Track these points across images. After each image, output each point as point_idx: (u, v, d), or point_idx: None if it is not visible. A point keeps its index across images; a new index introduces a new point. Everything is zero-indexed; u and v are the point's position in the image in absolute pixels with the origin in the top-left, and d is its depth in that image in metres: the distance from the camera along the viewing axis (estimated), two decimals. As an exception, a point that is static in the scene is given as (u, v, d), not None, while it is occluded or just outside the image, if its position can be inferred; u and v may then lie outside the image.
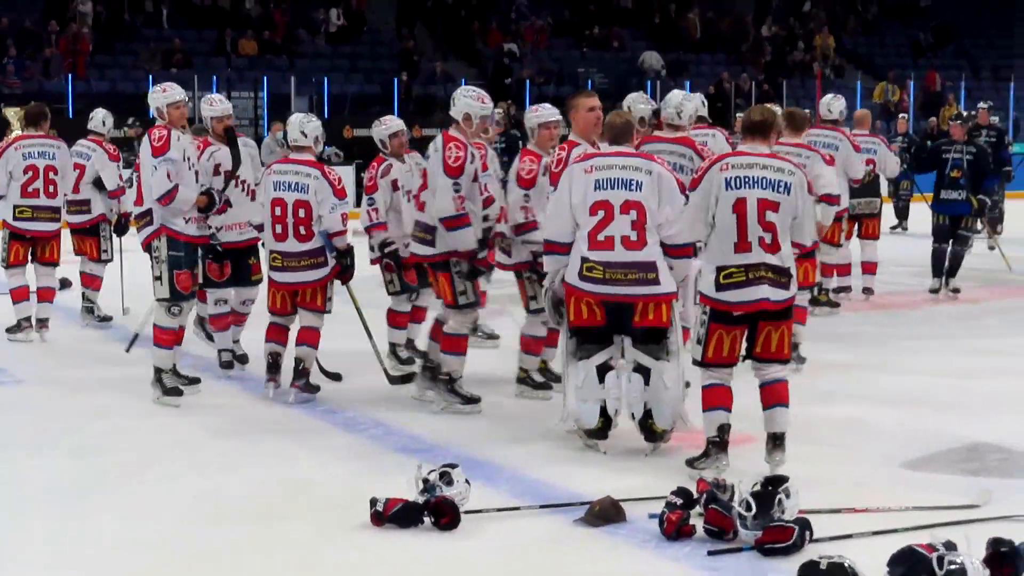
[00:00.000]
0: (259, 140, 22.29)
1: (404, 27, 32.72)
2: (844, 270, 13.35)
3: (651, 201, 7.44)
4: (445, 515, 6.28)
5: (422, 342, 9.85)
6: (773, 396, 7.29)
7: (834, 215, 10.75)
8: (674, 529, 6.09)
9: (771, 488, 6.07)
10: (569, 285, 7.57)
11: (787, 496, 6.03)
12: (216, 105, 10.02)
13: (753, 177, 7.11)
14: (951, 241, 14.05)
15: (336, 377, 9.48)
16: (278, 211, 8.99)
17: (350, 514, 6.44)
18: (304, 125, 9.14)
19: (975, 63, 37.82)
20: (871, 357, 10.79)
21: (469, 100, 8.51)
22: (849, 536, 6.06)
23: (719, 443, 7.27)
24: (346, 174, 24.73)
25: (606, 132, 7.85)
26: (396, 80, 28.60)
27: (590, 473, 7.27)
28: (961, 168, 13.92)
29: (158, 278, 8.89)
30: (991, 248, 17.10)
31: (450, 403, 8.65)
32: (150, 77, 26.47)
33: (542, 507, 6.63)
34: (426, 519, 6.29)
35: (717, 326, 7.23)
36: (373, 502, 6.33)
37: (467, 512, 6.35)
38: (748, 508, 5.98)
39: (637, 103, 9.65)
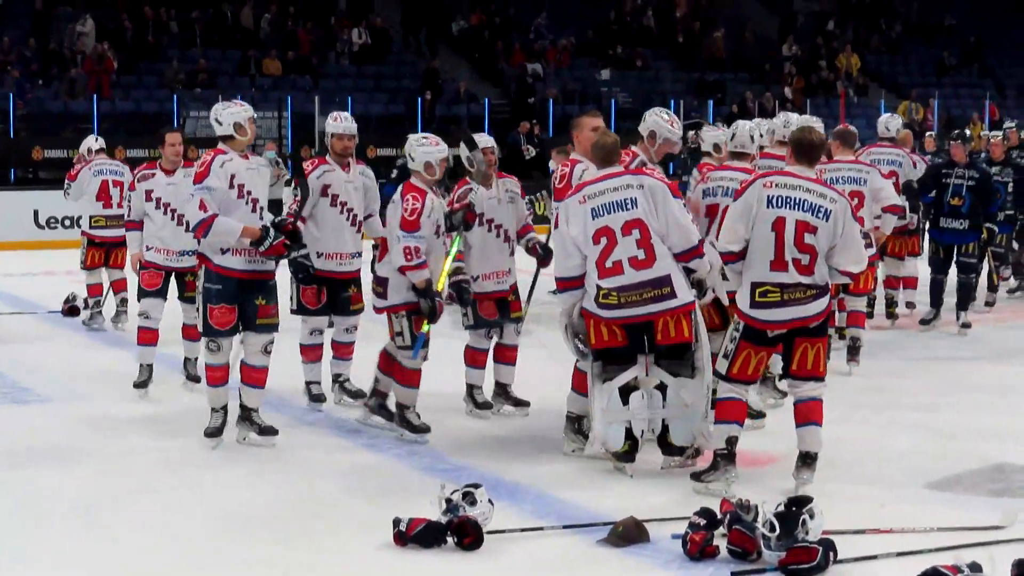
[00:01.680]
0: (284, 161, 22.37)
1: (428, 47, 32.80)
2: (911, 283, 13.37)
3: (650, 215, 7.46)
4: (468, 535, 6.28)
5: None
6: (807, 414, 7.30)
7: (893, 224, 11.07)
8: (698, 550, 6.08)
9: (795, 509, 6.06)
10: (588, 312, 7.59)
11: (811, 517, 6.02)
12: (341, 121, 9.47)
13: (795, 199, 7.16)
14: (955, 270, 12.86)
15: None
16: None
17: (373, 534, 6.45)
18: (415, 149, 8.52)
19: (999, 82, 37.71)
20: (895, 375, 10.75)
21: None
22: (874, 557, 6.05)
23: (727, 455, 7.28)
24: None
25: (595, 153, 7.84)
26: (420, 100, 28.65)
27: (613, 493, 7.28)
28: (961, 195, 12.52)
29: (198, 311, 8.48)
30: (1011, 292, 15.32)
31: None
32: (174, 97, 26.67)
33: (565, 527, 6.63)
34: (449, 539, 6.29)
35: (747, 344, 7.26)
36: (396, 522, 6.34)
37: (490, 532, 6.35)
38: (772, 529, 5.97)
39: (709, 131, 9.58)
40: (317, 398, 9.44)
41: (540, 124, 27.89)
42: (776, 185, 7.25)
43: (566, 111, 30.05)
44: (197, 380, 9.75)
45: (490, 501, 6.47)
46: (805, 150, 7.36)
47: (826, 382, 7.40)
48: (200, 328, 8.40)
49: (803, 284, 7.14)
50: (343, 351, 9.52)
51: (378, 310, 8.60)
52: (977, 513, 6.79)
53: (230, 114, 8.23)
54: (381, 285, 8.49)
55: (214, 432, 8.41)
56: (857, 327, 10.84)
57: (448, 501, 6.41)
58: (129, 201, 10.15)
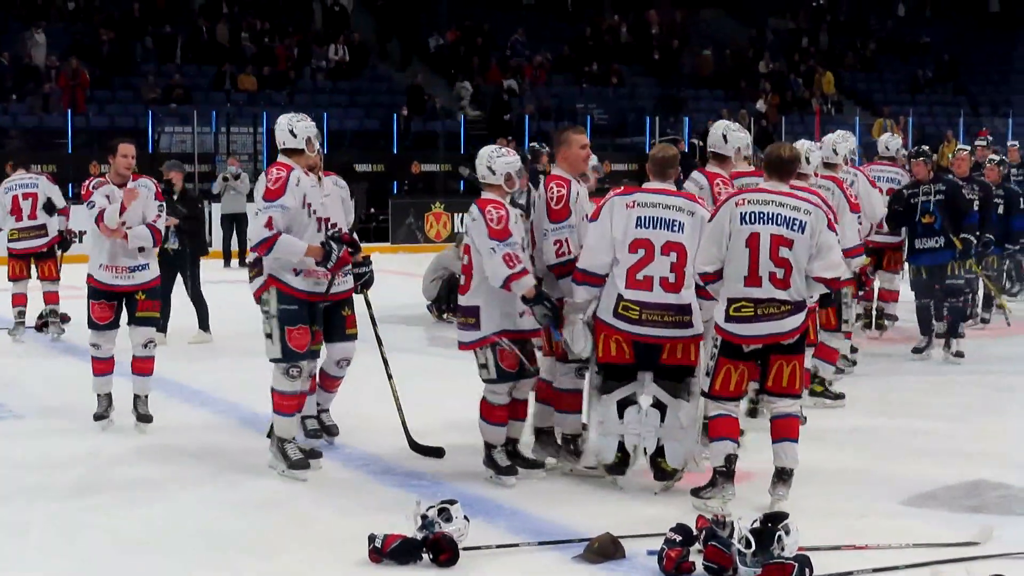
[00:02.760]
0: (256, 176, 22.31)
1: (404, 63, 32.83)
2: (892, 296, 13.18)
3: (691, 243, 7.41)
4: (444, 551, 6.25)
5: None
6: (783, 430, 7.31)
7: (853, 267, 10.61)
8: (673, 566, 6.06)
9: (771, 525, 6.05)
10: (601, 322, 7.54)
11: (787, 533, 6.00)
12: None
13: (768, 213, 7.19)
14: (938, 295, 12.31)
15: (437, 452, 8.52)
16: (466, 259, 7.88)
17: (348, 550, 6.42)
18: (494, 161, 7.86)
19: (973, 99, 37.92)
20: (872, 392, 10.75)
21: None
22: (850, 573, 6.03)
23: (726, 473, 7.28)
24: (345, 209, 24.86)
25: (652, 165, 7.71)
26: (396, 116, 28.66)
27: (589, 510, 7.26)
28: (930, 211, 12.01)
29: (269, 335, 7.89)
30: (998, 307, 14.70)
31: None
32: (149, 112, 26.62)
33: (541, 543, 6.60)
34: (425, 555, 6.27)
35: (726, 360, 7.28)
36: (371, 538, 6.31)
37: (466, 548, 6.32)
38: (748, 545, 5.96)
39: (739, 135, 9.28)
40: (315, 433, 8.71)
41: (516, 140, 27.88)
42: (749, 202, 7.27)
43: (542, 127, 30.10)
44: (149, 420, 9.27)
45: (466, 517, 6.44)
46: (777, 166, 7.39)
47: (802, 398, 7.42)
48: (277, 354, 7.86)
49: (777, 299, 7.15)
50: (331, 384, 8.73)
51: (465, 346, 7.85)
52: (953, 529, 6.78)
53: (304, 127, 7.96)
54: (471, 315, 7.79)
55: (302, 464, 7.93)
56: (825, 360, 10.28)
57: (424, 517, 6.39)
58: (90, 207, 9.19)
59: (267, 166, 8.66)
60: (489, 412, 7.86)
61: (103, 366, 9.40)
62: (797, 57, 37.47)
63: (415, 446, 8.39)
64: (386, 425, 8.74)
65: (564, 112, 31.95)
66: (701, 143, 10.59)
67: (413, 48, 33.72)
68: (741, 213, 7.22)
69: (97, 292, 9.23)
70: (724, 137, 8.99)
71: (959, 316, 12.32)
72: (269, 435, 8.21)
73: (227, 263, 21.68)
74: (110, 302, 9.23)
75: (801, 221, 7.17)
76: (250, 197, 21.12)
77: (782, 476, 7.28)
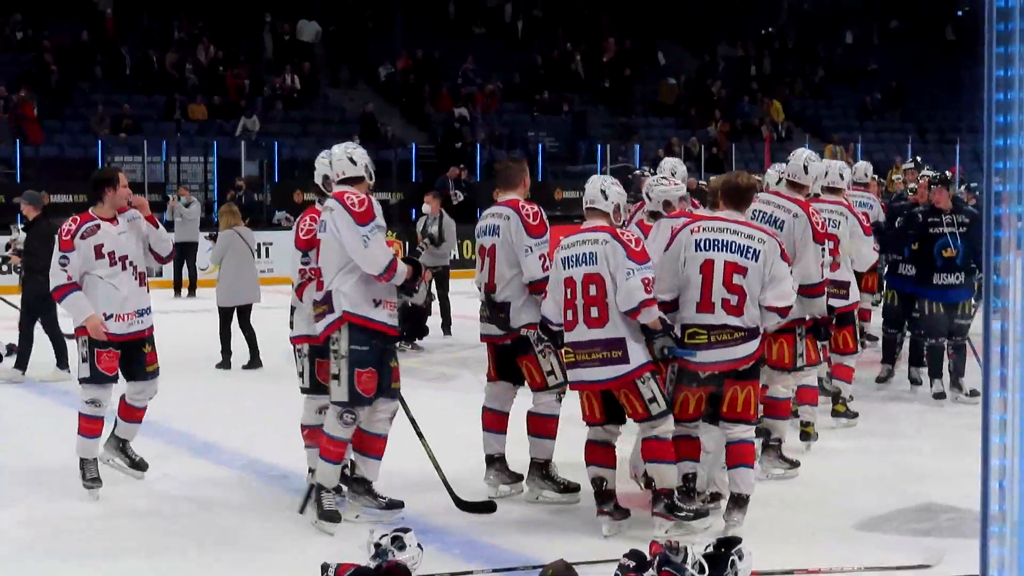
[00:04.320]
0: (208, 206, 22.27)
1: (355, 92, 32.85)
2: (867, 316, 12.89)
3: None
4: (397, 580, 6.24)
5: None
6: (737, 456, 7.35)
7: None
8: (627, 592, 6.07)
9: (724, 550, 6.08)
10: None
11: (740, 558, 6.04)
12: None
13: (723, 241, 7.26)
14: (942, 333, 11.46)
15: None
16: (568, 293, 7.40)
17: (301, 580, 6.40)
18: (603, 185, 7.55)
19: (921, 125, 38.27)
20: (825, 416, 10.79)
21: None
22: (802, 597, 6.08)
23: (687, 492, 7.34)
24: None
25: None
26: (347, 145, 28.61)
27: (543, 537, 7.27)
28: (955, 245, 11.17)
29: (335, 377, 7.45)
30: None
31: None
32: (99, 142, 26.49)
33: (494, 571, 6.62)
34: (378, 584, 6.24)
35: (683, 388, 7.34)
36: (324, 567, 6.29)
37: (419, 577, 6.31)
38: (701, 570, 5.98)
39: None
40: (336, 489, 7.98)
41: (468, 169, 27.95)
42: (704, 229, 7.35)
43: (494, 155, 30.15)
44: (143, 467, 8.59)
45: (419, 545, 6.44)
46: (733, 195, 7.46)
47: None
48: (343, 398, 7.42)
49: (730, 326, 7.20)
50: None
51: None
52: (905, 552, 6.83)
53: (362, 155, 7.75)
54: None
55: (334, 517, 7.52)
56: (842, 380, 10.44)
57: (377, 546, 6.38)
58: (64, 263, 8.23)
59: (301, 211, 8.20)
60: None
61: (98, 426, 8.41)
62: (746, 84, 37.71)
63: (462, 504, 7.87)
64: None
65: (516, 140, 32.04)
66: (652, 171, 10.56)
67: (364, 77, 33.73)
68: (696, 240, 7.29)
69: (104, 341, 8.23)
70: (805, 168, 9.02)
71: (964, 353, 11.45)
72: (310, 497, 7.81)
73: (177, 292, 21.58)
74: (117, 351, 8.29)
75: (755, 249, 7.23)
76: (202, 226, 21.15)
77: (737, 502, 7.32)
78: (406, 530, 6.52)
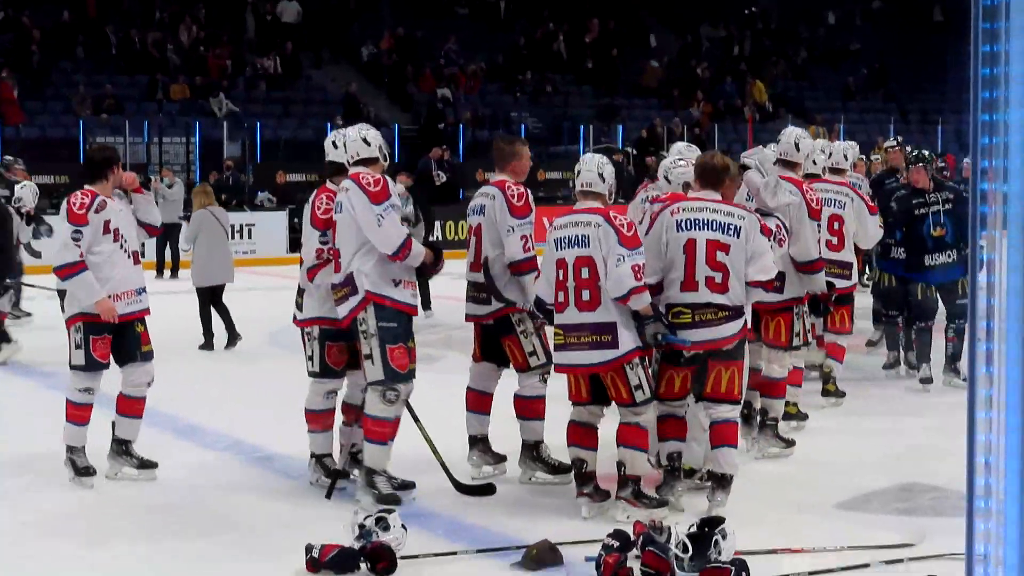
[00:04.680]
0: (190, 187, 22.18)
1: (338, 72, 32.78)
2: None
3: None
4: (382, 560, 6.23)
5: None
6: (721, 436, 7.36)
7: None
8: (611, 572, 6.07)
9: (707, 530, 6.08)
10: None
11: (723, 537, 6.04)
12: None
13: (703, 219, 7.28)
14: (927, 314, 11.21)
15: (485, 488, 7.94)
16: (560, 274, 7.32)
17: (286, 561, 6.40)
18: (601, 167, 7.44)
19: (903, 107, 38.32)
20: (815, 396, 10.79)
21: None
22: (786, 576, 6.09)
23: (672, 471, 7.35)
24: (278, 220, 24.83)
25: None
26: (329, 125, 28.58)
27: (526, 517, 7.27)
28: (941, 223, 10.89)
29: (368, 357, 7.38)
30: None
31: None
32: (80, 123, 26.40)
33: (479, 551, 6.61)
34: (363, 565, 6.25)
35: (668, 367, 7.35)
36: (309, 548, 6.28)
37: (404, 557, 6.31)
38: (685, 550, 5.98)
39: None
40: (339, 473, 7.89)
41: (450, 150, 27.92)
42: (683, 210, 7.37)
43: (476, 136, 30.12)
44: (153, 466, 8.29)
45: (403, 526, 6.43)
46: (709, 175, 7.49)
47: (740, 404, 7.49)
48: (379, 376, 7.37)
49: (714, 304, 7.21)
50: (356, 415, 7.94)
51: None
52: (887, 531, 6.85)
53: (376, 136, 7.72)
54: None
55: (394, 500, 7.36)
56: (834, 359, 10.42)
57: (361, 527, 6.37)
58: (77, 238, 7.94)
59: (318, 188, 8.08)
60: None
61: (88, 413, 8.19)
62: (729, 65, 37.71)
63: (460, 487, 7.80)
64: None
65: (498, 121, 32.01)
66: (635, 151, 10.54)
67: (346, 57, 33.66)
68: (677, 221, 7.30)
69: (98, 327, 8.00)
70: (796, 145, 9.06)
71: (962, 337, 10.82)
72: (340, 471, 7.80)
73: (159, 274, 21.54)
74: (110, 336, 8.08)
75: (736, 226, 7.25)
76: (187, 206, 21.09)
77: (721, 482, 7.32)
78: (390, 510, 6.52)
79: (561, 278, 7.22)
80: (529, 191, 7.95)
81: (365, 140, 7.66)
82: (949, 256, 10.94)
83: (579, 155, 7.61)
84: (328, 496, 7.68)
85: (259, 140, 27.71)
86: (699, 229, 7.26)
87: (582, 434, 7.36)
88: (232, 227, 22.64)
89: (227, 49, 31.32)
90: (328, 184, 7.98)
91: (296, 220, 25.49)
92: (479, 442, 8.23)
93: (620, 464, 7.26)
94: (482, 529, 7.07)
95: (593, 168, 7.38)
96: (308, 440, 8.03)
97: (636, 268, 7.03)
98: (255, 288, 18.17)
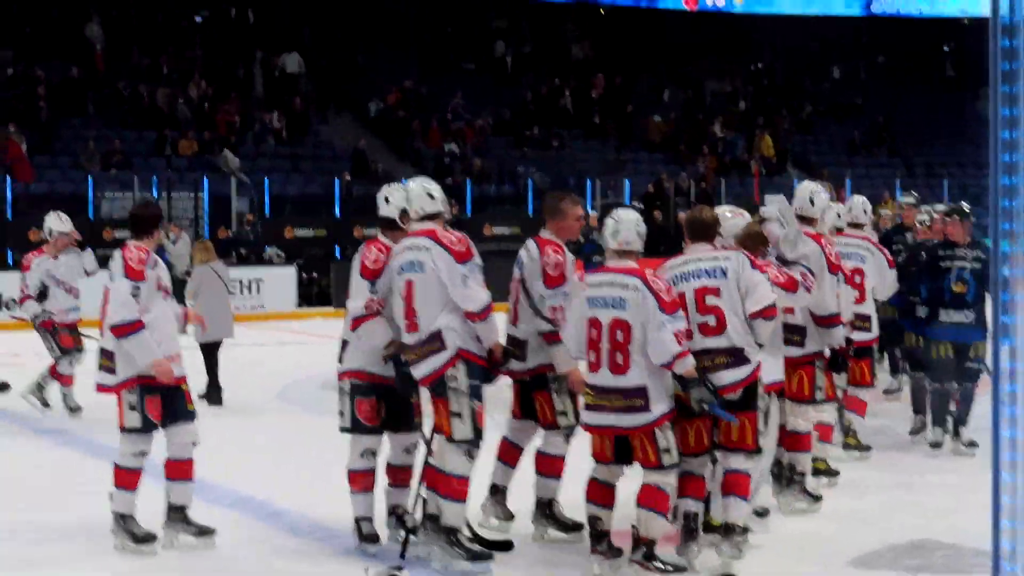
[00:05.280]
0: (195, 239, 22.28)
1: (348, 128, 32.93)
2: None
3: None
4: (393, 619, 6.21)
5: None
6: (730, 486, 7.35)
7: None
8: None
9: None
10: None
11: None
12: (438, 199, 7.69)
13: (688, 271, 7.36)
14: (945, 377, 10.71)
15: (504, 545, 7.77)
16: (593, 333, 7.21)
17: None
18: (639, 226, 7.30)
19: (908, 161, 38.42)
20: (835, 449, 10.68)
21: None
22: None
23: (689, 532, 7.31)
24: (287, 275, 24.87)
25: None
26: (338, 181, 28.68)
27: (533, 572, 7.25)
28: (964, 279, 10.48)
29: (457, 415, 7.22)
30: None
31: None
32: (89, 178, 26.48)
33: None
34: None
35: (680, 419, 7.23)
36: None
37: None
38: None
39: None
40: (370, 538, 7.75)
41: (458, 204, 27.99)
42: (670, 268, 7.44)
43: (483, 191, 30.20)
44: (212, 532, 7.95)
45: (415, 584, 6.41)
46: (698, 229, 7.56)
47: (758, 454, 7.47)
48: (468, 435, 7.22)
49: (712, 349, 7.20)
50: (401, 477, 7.88)
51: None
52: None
53: (439, 190, 7.62)
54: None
55: (485, 556, 7.33)
56: (855, 412, 10.34)
57: (372, 585, 6.35)
58: (136, 294, 7.70)
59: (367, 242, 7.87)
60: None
61: (139, 477, 7.85)
62: (735, 120, 37.83)
63: (480, 540, 7.61)
64: (335, 493, 8.35)
65: (505, 175, 32.11)
66: (641, 206, 10.56)
67: (354, 113, 33.82)
68: (670, 278, 7.34)
69: (152, 387, 7.73)
70: (811, 200, 9.03)
71: (971, 402, 10.61)
72: (407, 525, 7.48)
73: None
74: (160, 396, 7.79)
75: (721, 267, 7.32)
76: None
77: (728, 533, 7.30)
78: (400, 568, 6.50)
79: (594, 337, 7.13)
80: (568, 257, 7.80)
81: (430, 195, 7.55)
82: (966, 316, 10.54)
83: (586, 210, 7.40)
84: (402, 556, 7.31)
85: (267, 195, 27.79)
86: (686, 281, 7.31)
87: (602, 493, 7.29)
88: (240, 282, 22.78)
89: (235, 105, 31.47)
90: (380, 238, 7.81)
91: (304, 275, 25.60)
92: (498, 492, 8.16)
93: (600, 520, 7.22)
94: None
95: (631, 227, 7.24)
96: (351, 502, 7.77)
97: (678, 334, 6.96)
98: (264, 343, 18.18)
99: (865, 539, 7.99)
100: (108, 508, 7.83)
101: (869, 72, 43.44)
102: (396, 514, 7.79)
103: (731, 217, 8.28)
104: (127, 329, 7.60)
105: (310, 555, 7.81)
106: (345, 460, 7.81)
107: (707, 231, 7.53)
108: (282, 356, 17.80)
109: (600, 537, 7.27)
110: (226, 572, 7.49)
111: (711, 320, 7.21)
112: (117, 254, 7.84)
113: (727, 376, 7.23)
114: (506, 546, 7.71)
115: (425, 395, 7.56)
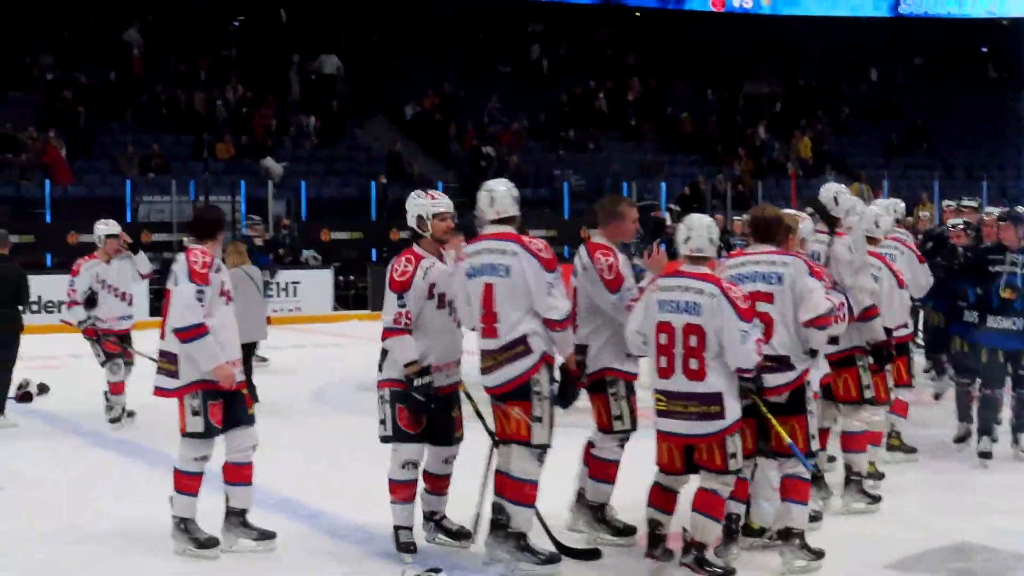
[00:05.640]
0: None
1: (383, 131, 33.00)
2: None
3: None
4: (431, 620, 6.21)
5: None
6: (786, 490, 7.37)
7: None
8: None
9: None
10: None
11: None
12: (438, 198, 7.82)
13: (746, 273, 7.33)
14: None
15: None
16: (663, 338, 7.18)
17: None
18: (711, 232, 7.21)
19: (947, 163, 38.21)
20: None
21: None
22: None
23: (729, 533, 7.35)
24: (324, 278, 24.92)
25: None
26: (374, 184, 28.73)
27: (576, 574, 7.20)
28: (1015, 286, 10.21)
29: (539, 419, 7.22)
30: None
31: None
32: (127, 182, 26.61)
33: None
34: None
35: None
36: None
37: (453, 617, 6.29)
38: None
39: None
40: (407, 547, 7.66)
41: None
42: (728, 267, 7.41)
43: (521, 194, 30.11)
44: (273, 536, 8.01)
45: (452, 585, 6.42)
46: (761, 229, 7.51)
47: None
48: (545, 440, 7.26)
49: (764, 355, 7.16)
50: (439, 484, 7.89)
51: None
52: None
53: (518, 195, 7.64)
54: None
55: (554, 559, 7.35)
56: (897, 414, 10.35)
57: (409, 586, 6.36)
58: (201, 298, 7.73)
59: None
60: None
61: (199, 483, 7.92)
62: (771, 122, 37.71)
63: (564, 549, 7.56)
64: (372, 494, 8.34)
65: (541, 178, 32.08)
66: (678, 208, 10.54)
67: (389, 116, 33.89)
68: (727, 278, 7.28)
69: (215, 392, 7.77)
70: (835, 199, 8.97)
71: None
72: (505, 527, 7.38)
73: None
74: (223, 400, 7.86)
75: (779, 273, 7.28)
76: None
77: (786, 537, 7.31)
78: (438, 570, 6.51)
79: (664, 342, 7.06)
80: (619, 257, 7.74)
81: (515, 199, 7.60)
82: (1014, 323, 10.21)
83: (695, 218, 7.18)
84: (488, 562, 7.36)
85: (304, 198, 27.86)
86: (741, 283, 7.25)
87: (664, 499, 7.25)
88: (276, 284, 22.83)
89: (272, 108, 31.58)
90: (415, 248, 7.67)
91: (340, 278, 25.65)
92: (596, 509, 8.02)
93: (660, 525, 7.20)
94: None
95: (704, 233, 7.15)
96: (392, 511, 7.71)
97: (759, 342, 6.97)
98: (301, 345, 18.24)
99: (905, 541, 7.97)
100: (168, 513, 7.85)
101: (906, 74, 43.26)
102: (434, 520, 7.83)
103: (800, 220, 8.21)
104: (191, 333, 7.60)
105: (347, 557, 7.82)
106: (383, 463, 7.77)
107: (769, 230, 7.50)
108: (319, 358, 17.83)
109: (658, 541, 7.21)
110: (262, 573, 7.49)
111: (758, 337, 7.10)
112: (181, 257, 7.82)
113: (772, 379, 7.24)
114: (593, 554, 7.62)
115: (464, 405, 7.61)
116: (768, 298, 7.25)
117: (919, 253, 10.27)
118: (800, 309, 7.25)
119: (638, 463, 7.72)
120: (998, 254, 10.40)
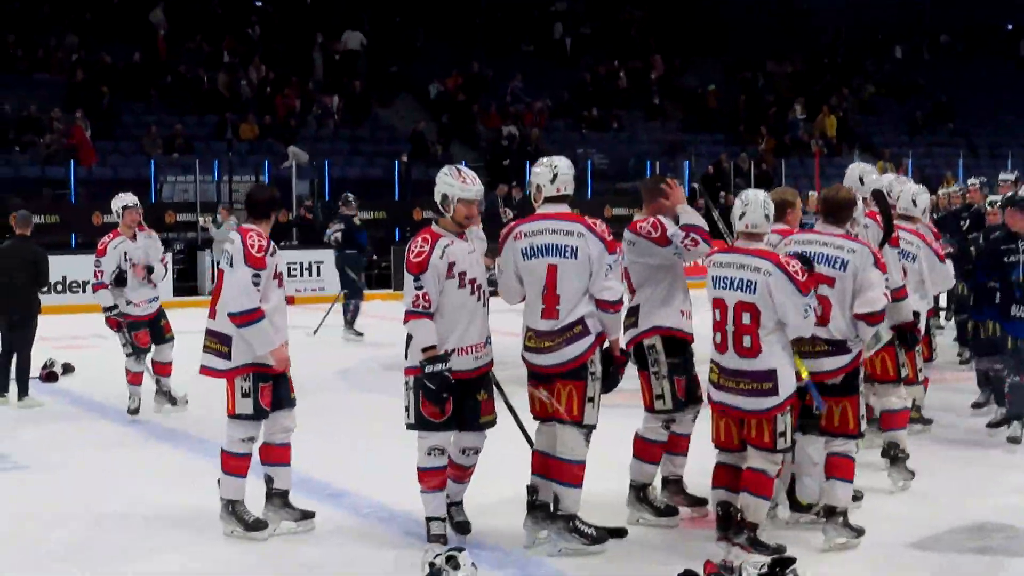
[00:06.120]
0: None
1: (408, 111, 33.02)
2: None
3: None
4: (452, 599, 6.25)
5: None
6: (832, 468, 7.39)
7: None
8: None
9: (778, 569, 6.07)
10: None
11: (795, 577, 6.02)
12: (470, 184, 7.47)
13: (811, 252, 7.31)
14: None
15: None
16: (716, 314, 7.18)
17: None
18: (767, 207, 7.18)
19: (971, 141, 38.03)
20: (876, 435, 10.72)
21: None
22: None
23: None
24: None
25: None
26: (397, 163, 28.75)
27: (597, 557, 7.24)
28: None
29: (591, 400, 7.21)
30: None
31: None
32: (151, 162, 26.70)
33: (549, 590, 6.60)
34: (433, 603, 6.25)
35: None
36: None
37: (474, 596, 6.32)
38: (755, 590, 5.97)
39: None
40: (438, 539, 7.34)
41: (518, 186, 27.99)
42: (795, 242, 7.43)
43: (543, 173, 30.05)
44: (311, 516, 8.01)
45: (473, 565, 6.46)
46: (831, 208, 7.48)
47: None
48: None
49: (816, 338, 7.19)
50: (462, 474, 7.67)
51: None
52: (958, 570, 6.79)
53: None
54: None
55: (603, 537, 7.32)
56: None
57: (431, 565, 6.41)
58: (258, 282, 7.69)
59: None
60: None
61: (247, 464, 7.88)
62: (795, 100, 37.57)
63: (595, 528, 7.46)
64: (395, 473, 8.43)
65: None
66: (702, 187, 10.48)
67: (412, 95, 33.90)
68: (786, 254, 7.24)
69: (265, 375, 7.74)
70: (860, 179, 9.01)
71: None
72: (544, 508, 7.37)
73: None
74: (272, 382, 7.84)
75: (843, 259, 7.26)
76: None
77: (831, 515, 7.33)
78: (460, 549, 6.55)
79: (718, 318, 7.06)
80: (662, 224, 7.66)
81: (574, 178, 7.59)
82: None
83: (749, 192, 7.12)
84: (529, 545, 7.37)
85: (328, 178, 27.90)
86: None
87: (730, 476, 7.19)
88: (300, 264, 22.88)
89: (295, 88, 31.63)
90: (434, 227, 7.41)
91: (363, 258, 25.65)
92: (638, 490, 8.00)
93: (732, 507, 7.09)
94: (553, 569, 7.03)
95: (759, 209, 7.09)
96: (423, 500, 7.49)
97: (816, 310, 7.03)
98: (325, 325, 18.27)
99: (925, 519, 7.98)
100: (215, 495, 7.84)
101: (931, 51, 43.05)
102: (455, 503, 7.71)
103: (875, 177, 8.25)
104: (248, 318, 7.57)
105: (371, 536, 7.84)
106: (407, 442, 7.67)
107: (839, 211, 7.48)
108: (340, 339, 17.88)
109: (729, 523, 7.08)
110: (282, 555, 7.54)
111: (818, 309, 7.12)
112: (236, 238, 7.74)
113: (827, 363, 7.26)
114: (619, 533, 7.58)
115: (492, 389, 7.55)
116: (830, 282, 7.24)
117: (941, 253, 9.81)
118: (857, 299, 7.24)
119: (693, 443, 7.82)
120: (1010, 243, 10.14)
